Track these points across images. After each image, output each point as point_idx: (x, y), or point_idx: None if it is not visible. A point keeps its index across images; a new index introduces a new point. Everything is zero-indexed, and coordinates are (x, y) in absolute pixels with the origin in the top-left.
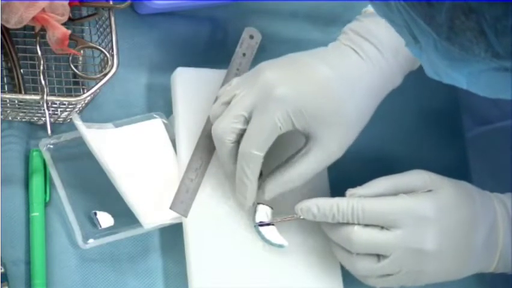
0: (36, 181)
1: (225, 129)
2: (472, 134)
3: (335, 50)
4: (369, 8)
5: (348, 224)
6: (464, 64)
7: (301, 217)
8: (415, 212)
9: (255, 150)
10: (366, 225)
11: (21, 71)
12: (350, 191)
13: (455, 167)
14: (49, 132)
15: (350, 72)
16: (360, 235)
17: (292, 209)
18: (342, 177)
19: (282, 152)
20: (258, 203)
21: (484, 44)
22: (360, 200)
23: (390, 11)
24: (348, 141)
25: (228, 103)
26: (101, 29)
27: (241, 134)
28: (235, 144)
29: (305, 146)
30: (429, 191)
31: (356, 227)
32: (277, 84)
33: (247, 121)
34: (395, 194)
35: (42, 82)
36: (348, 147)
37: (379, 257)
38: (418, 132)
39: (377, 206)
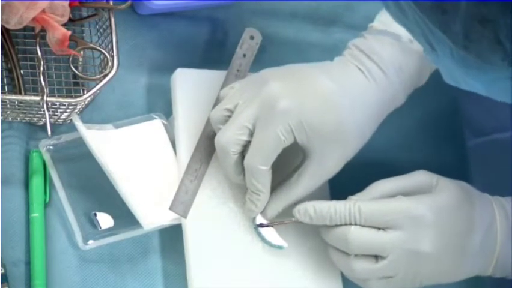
0: (36, 182)
1: (229, 141)
2: (471, 144)
3: (339, 65)
4: (375, 24)
5: (345, 225)
6: (481, 72)
7: (300, 220)
8: (412, 213)
9: (261, 166)
10: (363, 226)
11: (21, 71)
12: (349, 198)
13: (456, 174)
14: (49, 133)
15: (352, 89)
16: (357, 235)
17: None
18: (342, 182)
19: (282, 157)
20: None
21: (501, 53)
22: (357, 202)
23: (407, 19)
24: (345, 159)
25: (230, 110)
26: (101, 30)
27: (245, 145)
28: (239, 155)
29: (303, 163)
30: (429, 192)
31: (353, 227)
32: (281, 96)
33: (251, 132)
34: (394, 196)
35: (43, 83)
36: (345, 163)
37: (377, 258)
38: (419, 138)
39: (374, 208)
